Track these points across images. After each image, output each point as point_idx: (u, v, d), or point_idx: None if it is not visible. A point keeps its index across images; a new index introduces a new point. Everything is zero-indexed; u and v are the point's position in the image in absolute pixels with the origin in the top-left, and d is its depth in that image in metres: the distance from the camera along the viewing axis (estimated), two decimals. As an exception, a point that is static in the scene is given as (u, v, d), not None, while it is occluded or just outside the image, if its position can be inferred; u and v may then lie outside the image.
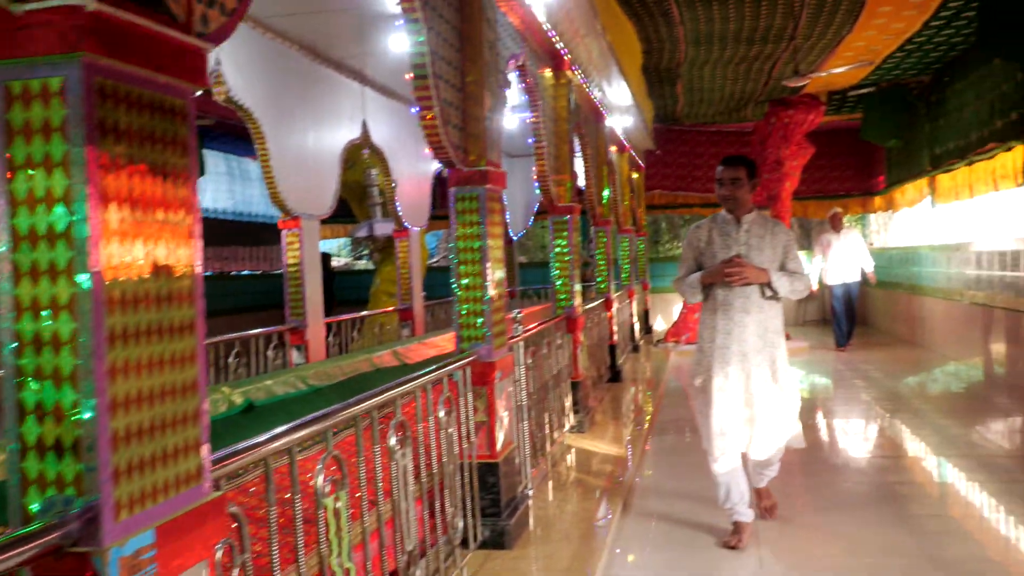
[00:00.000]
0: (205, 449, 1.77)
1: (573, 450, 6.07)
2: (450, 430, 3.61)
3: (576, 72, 7.09)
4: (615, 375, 9.15)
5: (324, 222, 17.83)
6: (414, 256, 9.79)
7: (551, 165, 6.33)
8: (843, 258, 11.64)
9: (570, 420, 6.53)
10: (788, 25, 8.66)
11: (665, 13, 8.41)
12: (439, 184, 11.54)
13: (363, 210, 11.48)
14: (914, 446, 6.33)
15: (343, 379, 5.02)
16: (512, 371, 4.39)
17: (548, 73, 6.48)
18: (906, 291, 12.79)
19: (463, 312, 4.06)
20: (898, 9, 8.18)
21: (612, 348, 9.22)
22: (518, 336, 4.84)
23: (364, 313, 9.07)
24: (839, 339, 11.86)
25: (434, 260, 20.76)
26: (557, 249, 6.70)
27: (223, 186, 15.82)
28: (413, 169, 9.41)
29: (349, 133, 7.88)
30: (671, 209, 16.79)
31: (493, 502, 4.02)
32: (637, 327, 12.27)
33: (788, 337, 12.42)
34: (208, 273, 15.13)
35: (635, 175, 14.29)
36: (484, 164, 4.01)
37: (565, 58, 6.54)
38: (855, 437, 6.90)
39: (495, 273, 4.10)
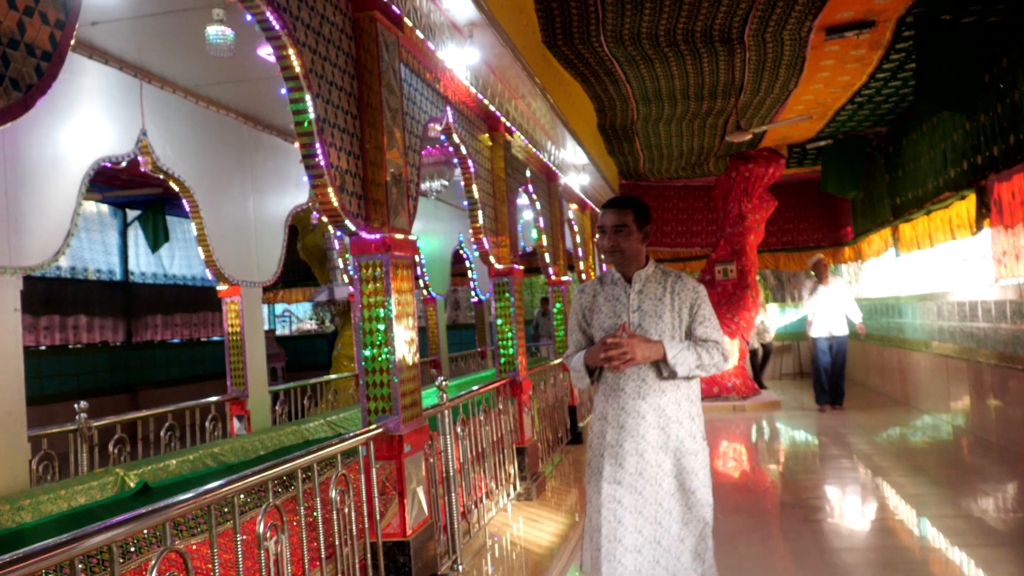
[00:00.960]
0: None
1: (518, 520, 5.87)
2: (346, 510, 3.45)
3: (516, 134, 7.06)
4: (576, 436, 8.96)
5: (291, 285, 17.75)
6: (440, 320, 9.77)
7: (487, 226, 6.25)
8: (829, 308, 10.84)
9: (516, 488, 6.34)
10: (734, 81, 8.70)
11: (609, 73, 8.44)
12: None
13: (323, 274, 11.39)
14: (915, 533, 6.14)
15: (263, 453, 4.85)
16: (425, 443, 4.23)
17: (484, 136, 6.44)
18: (880, 343, 12.69)
19: (369, 383, 3.92)
20: (841, 63, 8.23)
21: (572, 409, 9.05)
22: (442, 405, 4.70)
23: (313, 381, 8.91)
24: (819, 396, 11.09)
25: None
26: (499, 311, 6.58)
27: (192, 251, 15.74)
28: (436, 247, 9.60)
29: (295, 199, 7.82)
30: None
31: (403, 583, 3.83)
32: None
33: (757, 391, 12.43)
34: (175, 340, 14.95)
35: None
36: (387, 231, 3.91)
37: (502, 119, 6.50)
38: (846, 520, 6.68)
39: (403, 343, 3.97)
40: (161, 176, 6.06)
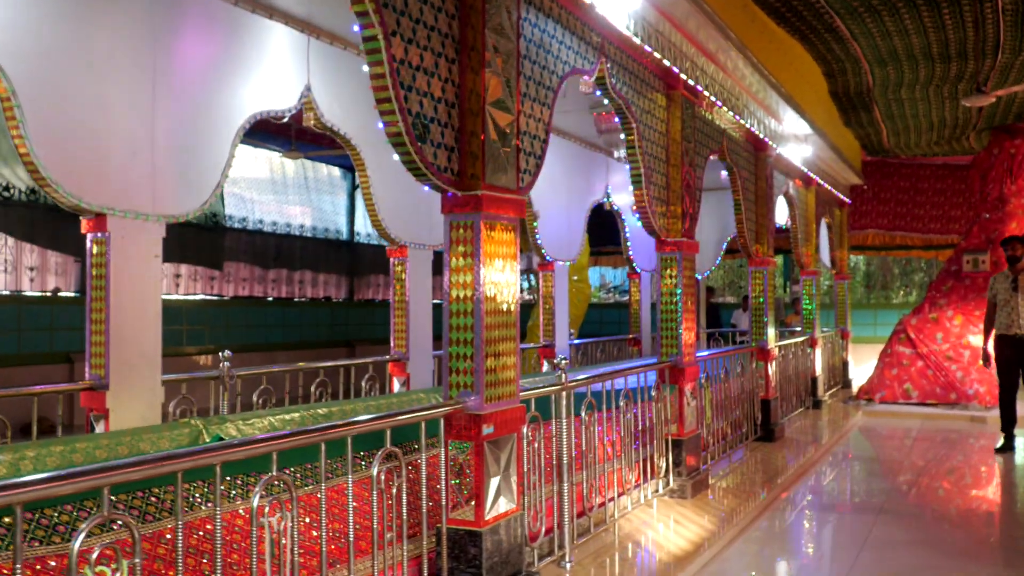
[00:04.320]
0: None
1: (663, 521, 5.31)
2: (396, 491, 3.15)
3: (706, 95, 6.36)
4: (768, 433, 8.13)
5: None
6: (559, 291, 9.35)
7: (654, 194, 5.66)
8: None
9: (670, 483, 5.77)
10: (986, 37, 7.36)
11: (831, 29, 7.43)
12: (600, 218, 11.02)
13: (525, 242, 11.20)
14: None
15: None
16: (520, 426, 3.81)
17: (657, 95, 5.83)
18: None
19: (452, 355, 3.57)
20: None
21: (766, 403, 8.21)
22: (558, 386, 4.26)
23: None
24: None
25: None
26: (664, 290, 5.98)
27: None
28: (560, 200, 8.99)
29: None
30: (887, 251, 15.10)
31: (473, 578, 3.47)
32: (821, 380, 10.97)
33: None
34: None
35: (836, 212, 12.96)
36: (480, 188, 3.52)
37: (682, 77, 5.86)
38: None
39: (491, 314, 3.58)
40: (328, 133, 6.05)
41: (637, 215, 5.68)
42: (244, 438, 2.54)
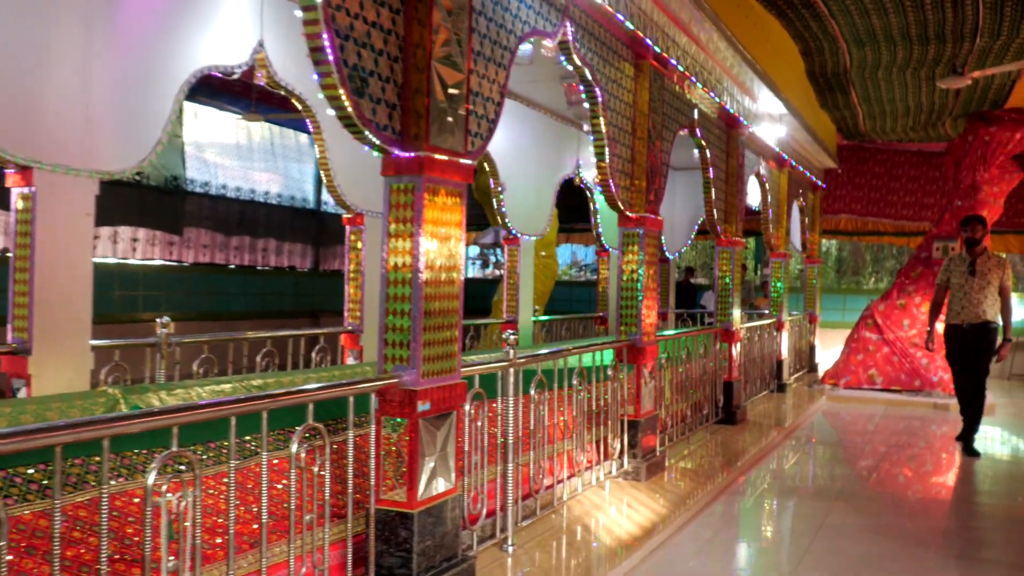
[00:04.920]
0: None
1: (615, 503, 5.15)
2: (314, 468, 2.95)
3: (677, 67, 6.16)
4: (729, 416, 8.01)
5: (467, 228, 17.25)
6: (524, 267, 9.15)
7: (618, 167, 5.46)
8: None
9: (623, 466, 5.62)
10: (965, 19, 7.20)
11: (808, 4, 7.24)
12: (572, 195, 10.80)
13: (493, 216, 10.97)
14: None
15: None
16: (459, 403, 3.62)
17: (625, 64, 5.61)
18: None
19: (388, 326, 3.37)
20: (1109, -3, 6.56)
21: (728, 385, 8.09)
22: (505, 363, 4.07)
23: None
24: None
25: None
26: (625, 267, 5.80)
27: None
28: (528, 172, 8.76)
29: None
30: (860, 236, 15.03)
31: (403, 562, 3.29)
32: (787, 363, 10.88)
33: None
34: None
35: (809, 195, 12.84)
36: (423, 149, 3.30)
37: (651, 47, 5.65)
38: None
39: (429, 285, 3.37)
40: (282, 92, 5.79)
41: (599, 188, 5.48)
42: (142, 410, 2.32)
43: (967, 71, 7.54)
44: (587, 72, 5.01)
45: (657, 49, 5.73)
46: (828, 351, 13.50)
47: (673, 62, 6.06)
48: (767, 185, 9.90)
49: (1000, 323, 7.20)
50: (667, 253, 12.20)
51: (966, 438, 7.46)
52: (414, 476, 3.32)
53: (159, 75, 4.74)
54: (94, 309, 4.53)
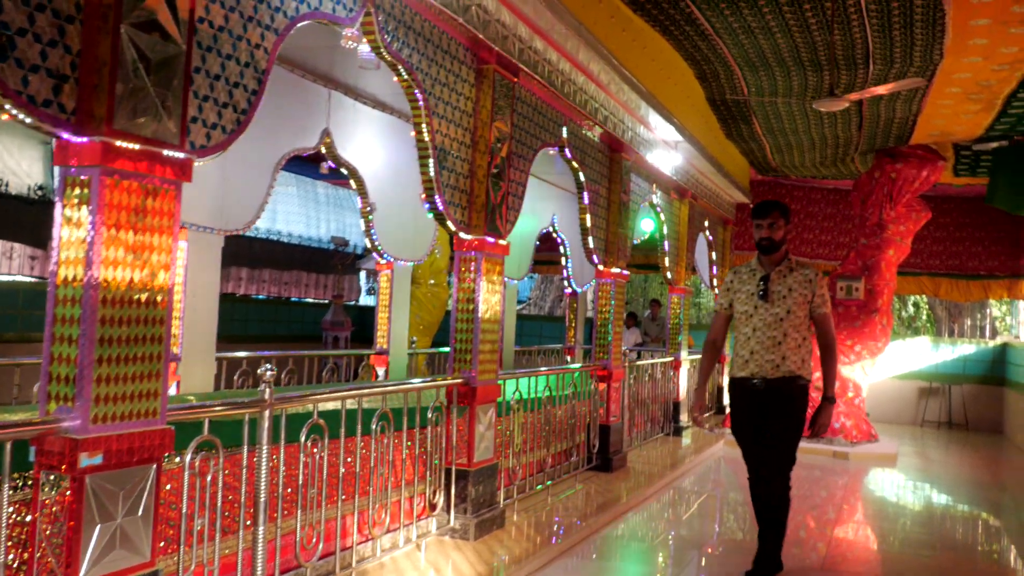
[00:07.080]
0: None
1: (429, 568, 4.44)
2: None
3: (532, 76, 5.57)
4: (605, 463, 7.36)
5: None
6: (398, 294, 8.45)
7: (449, 181, 4.82)
8: None
9: (450, 522, 4.91)
10: (854, 44, 6.77)
11: (691, 21, 6.74)
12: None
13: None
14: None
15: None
16: (165, 453, 2.89)
17: (464, 69, 5.00)
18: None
19: (53, 356, 2.64)
20: (1000, 24, 6.15)
21: (605, 429, 7.45)
22: (252, 407, 3.36)
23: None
24: None
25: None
26: (460, 295, 5.13)
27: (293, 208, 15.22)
28: (402, 192, 8.07)
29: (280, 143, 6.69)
30: (775, 275, 14.62)
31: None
32: (684, 405, 10.31)
33: (873, 437, 10.06)
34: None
35: (719, 230, 12.40)
36: (102, 134, 2.60)
37: (496, 49, 5.05)
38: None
39: (121, 302, 2.67)
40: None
41: (427, 205, 4.82)
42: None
43: (841, 92, 7.09)
44: (402, 70, 4.38)
45: (504, 54, 5.14)
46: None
47: (527, 71, 5.47)
48: (663, 216, 9.37)
49: (811, 377, 4.71)
50: (575, 287, 11.66)
51: (762, 570, 4.69)
52: (75, 549, 2.58)
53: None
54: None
